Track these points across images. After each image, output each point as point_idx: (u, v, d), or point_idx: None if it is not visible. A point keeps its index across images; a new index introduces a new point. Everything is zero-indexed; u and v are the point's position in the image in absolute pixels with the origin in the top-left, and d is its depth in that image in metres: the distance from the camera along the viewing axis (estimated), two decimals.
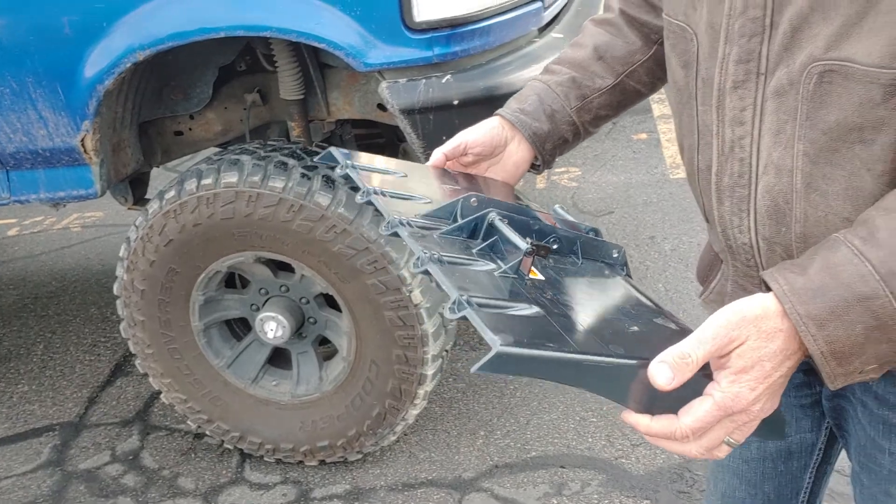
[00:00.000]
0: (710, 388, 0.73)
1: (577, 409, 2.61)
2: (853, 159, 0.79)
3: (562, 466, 2.39)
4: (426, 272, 0.81)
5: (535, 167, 1.20)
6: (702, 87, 0.92)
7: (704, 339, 0.72)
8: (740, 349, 0.72)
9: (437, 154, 1.16)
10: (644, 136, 4.62)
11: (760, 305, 0.73)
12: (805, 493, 1.17)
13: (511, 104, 1.18)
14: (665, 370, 0.70)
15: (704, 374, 0.73)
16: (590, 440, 2.47)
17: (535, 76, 1.21)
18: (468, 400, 2.71)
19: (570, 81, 1.16)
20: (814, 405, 1.09)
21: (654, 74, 1.18)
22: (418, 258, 0.83)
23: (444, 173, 1.16)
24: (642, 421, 0.75)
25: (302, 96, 2.44)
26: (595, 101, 1.16)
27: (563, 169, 4.36)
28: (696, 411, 0.73)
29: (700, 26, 0.90)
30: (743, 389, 0.72)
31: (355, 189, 1.03)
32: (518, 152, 1.17)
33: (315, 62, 2.42)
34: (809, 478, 1.16)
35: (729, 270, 0.99)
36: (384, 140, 3.25)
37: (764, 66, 0.83)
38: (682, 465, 2.33)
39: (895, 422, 0.92)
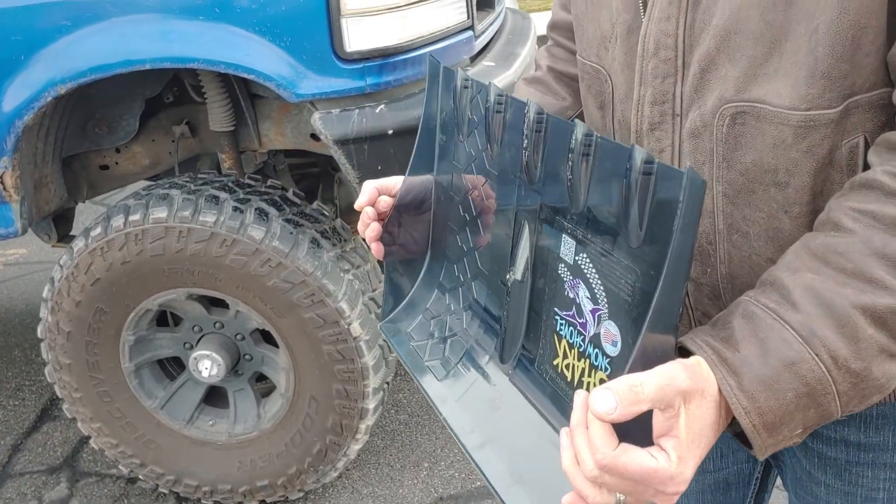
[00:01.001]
0: (656, 450, 0.63)
1: None
2: (770, 201, 0.78)
3: None
4: None
5: None
6: (618, 128, 0.91)
7: (660, 373, 0.63)
8: (688, 413, 0.64)
9: (366, 215, 1.01)
10: None
11: (700, 366, 0.67)
12: None
13: None
14: (608, 397, 0.60)
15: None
16: None
17: None
18: (411, 432, 2.67)
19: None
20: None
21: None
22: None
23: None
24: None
25: (232, 128, 2.39)
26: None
27: None
28: (633, 457, 0.62)
29: (614, 67, 0.90)
30: (688, 467, 0.63)
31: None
32: None
33: (245, 93, 2.37)
34: None
35: None
36: (318, 170, 3.21)
37: (679, 106, 0.82)
38: None
39: (830, 455, 0.91)
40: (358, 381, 2.14)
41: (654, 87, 0.83)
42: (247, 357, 2.30)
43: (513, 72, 2.29)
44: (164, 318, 2.41)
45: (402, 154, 2.01)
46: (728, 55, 0.76)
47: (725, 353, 0.67)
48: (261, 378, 2.39)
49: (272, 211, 2.08)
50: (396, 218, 1.03)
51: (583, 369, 0.73)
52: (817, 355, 0.66)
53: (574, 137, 0.73)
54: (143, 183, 2.81)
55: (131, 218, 2.07)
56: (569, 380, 0.75)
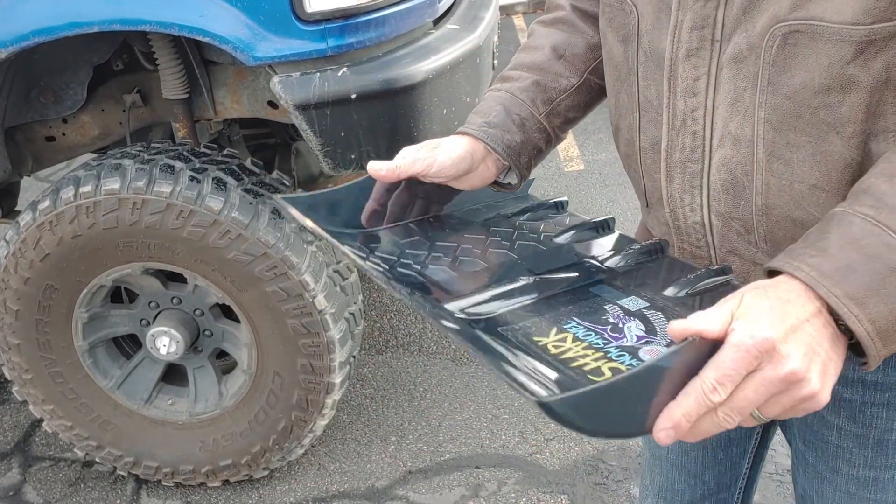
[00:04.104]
0: (727, 335, 0.64)
1: (489, 406, 2.56)
2: (819, 124, 0.76)
3: (477, 467, 2.34)
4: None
5: (498, 184, 1.07)
6: (644, 61, 0.88)
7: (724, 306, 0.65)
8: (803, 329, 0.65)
9: (392, 174, 0.96)
10: None
11: (782, 286, 0.67)
12: (743, 479, 1.16)
13: (474, 119, 1.03)
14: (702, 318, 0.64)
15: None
16: (503, 438, 2.43)
17: (492, 86, 1.09)
18: (377, 406, 2.63)
19: (533, 86, 1.04)
20: None
21: None
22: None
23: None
24: (671, 409, 0.63)
25: (186, 95, 2.29)
26: (563, 104, 1.06)
27: None
28: (714, 360, 0.63)
29: None
30: (762, 326, 0.62)
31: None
32: (484, 172, 1.02)
33: (199, 58, 2.28)
34: (748, 463, 1.15)
35: (675, 252, 0.95)
36: (275, 140, 3.12)
37: (719, 32, 0.79)
38: (597, 458, 2.32)
39: (845, 396, 0.90)
40: (324, 356, 2.08)
41: (694, 12, 0.80)
42: (206, 333, 2.22)
43: (477, 35, 2.22)
44: (119, 295, 2.32)
45: (366, 119, 1.94)
46: None
47: (825, 265, 0.67)
48: (222, 354, 2.31)
49: (230, 181, 2.00)
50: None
51: (583, 353, 0.72)
52: None
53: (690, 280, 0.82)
54: (92, 155, 2.70)
55: (82, 190, 1.97)
56: (552, 352, 0.73)
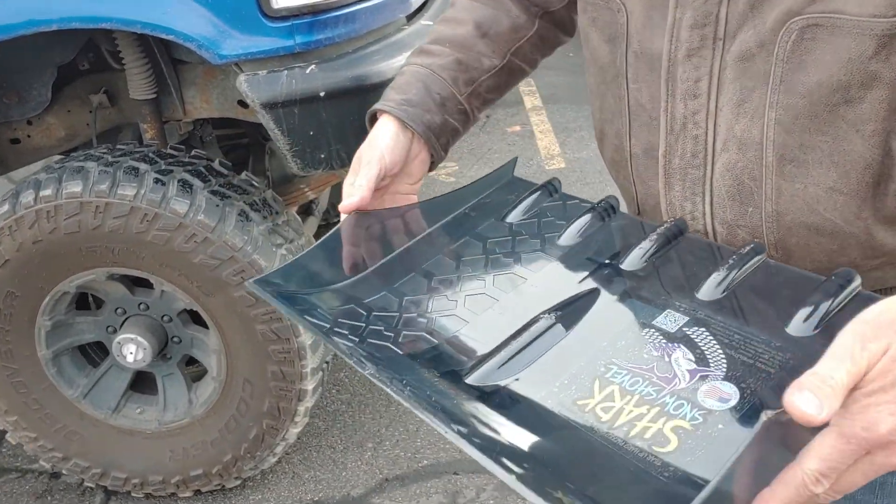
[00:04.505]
0: (834, 417, 0.53)
1: None
2: (837, 121, 0.72)
3: (455, 473, 2.29)
4: None
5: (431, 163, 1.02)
6: (634, 62, 0.83)
7: (840, 355, 0.53)
8: (880, 364, 0.53)
9: (362, 191, 0.89)
10: (518, 128, 4.59)
11: None
12: None
13: (392, 96, 0.97)
14: (809, 397, 0.51)
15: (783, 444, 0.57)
16: None
17: (410, 60, 1.04)
18: (354, 411, 2.57)
19: (455, 64, 0.99)
20: None
21: (538, 51, 1.07)
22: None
23: (360, 226, 0.91)
24: (766, 500, 0.54)
25: (154, 95, 2.23)
26: (484, 85, 1.01)
27: (440, 165, 4.26)
28: (818, 450, 0.53)
29: None
30: (880, 414, 0.52)
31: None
32: (420, 151, 0.97)
33: (167, 57, 2.21)
34: None
35: None
36: (248, 140, 3.06)
37: (722, 29, 0.75)
38: None
39: None
40: (295, 362, 2.02)
41: (694, 9, 0.76)
42: (175, 339, 2.16)
43: None
44: (86, 301, 2.25)
45: (335, 118, 1.88)
46: None
47: None
48: (191, 361, 2.25)
49: (196, 182, 1.94)
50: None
51: (639, 414, 0.62)
52: None
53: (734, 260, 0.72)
54: (59, 157, 2.63)
55: (43, 193, 1.91)
56: (603, 420, 0.63)
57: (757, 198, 0.78)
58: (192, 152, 2.11)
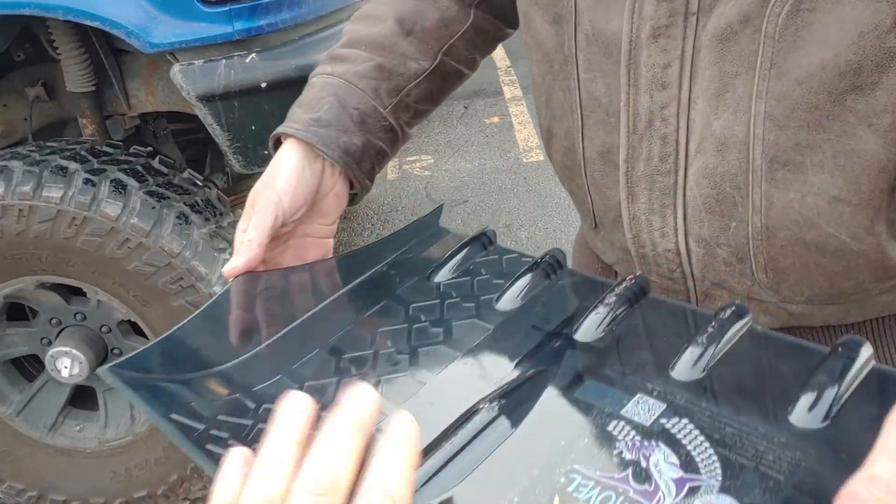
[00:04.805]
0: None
1: None
2: (844, 114, 0.57)
3: None
4: None
5: (351, 195, 0.83)
6: (585, 47, 0.67)
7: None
8: None
9: (250, 249, 0.71)
10: (496, 119, 4.44)
11: None
12: None
13: (298, 115, 0.79)
14: None
15: None
16: None
17: (319, 69, 0.84)
18: None
19: (375, 71, 0.81)
20: None
21: (474, 47, 0.88)
22: None
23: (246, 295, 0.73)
24: None
25: (93, 88, 2.07)
26: (412, 94, 0.83)
27: (415, 157, 4.11)
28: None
29: None
30: None
31: None
32: (335, 183, 0.79)
33: (106, 47, 2.05)
34: None
35: None
36: (205, 135, 2.89)
37: (695, 2, 0.59)
38: None
39: None
40: None
41: None
42: (115, 352, 2.00)
43: None
44: (22, 311, 2.09)
45: (279, 111, 1.72)
46: None
47: None
48: None
49: (131, 182, 1.78)
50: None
51: None
52: None
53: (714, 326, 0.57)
54: None
55: None
56: None
57: (742, 210, 0.64)
58: (131, 149, 1.95)
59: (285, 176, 0.74)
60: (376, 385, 0.62)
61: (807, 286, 0.66)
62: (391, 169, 4.01)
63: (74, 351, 1.91)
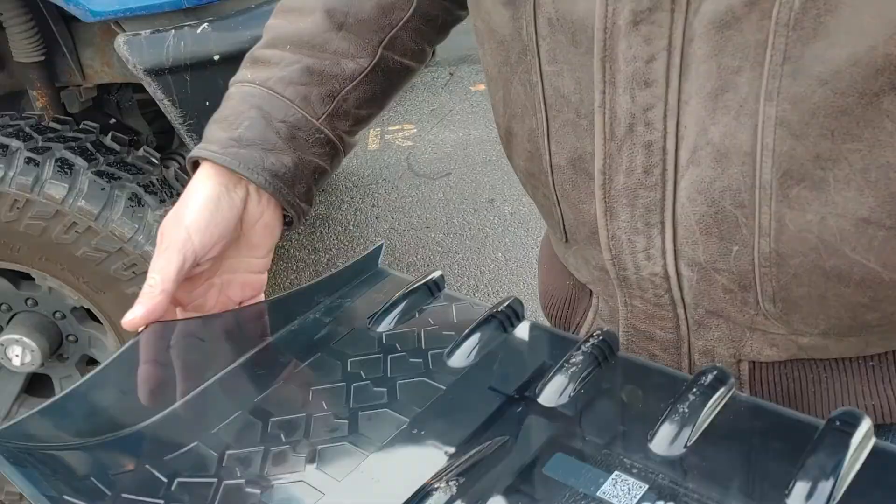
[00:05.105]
0: None
1: None
2: (880, 119, 0.47)
3: None
4: None
5: (286, 223, 0.73)
6: (549, 34, 0.56)
7: None
8: None
9: (152, 297, 0.62)
10: (482, 86, 4.31)
11: None
12: None
13: (215, 134, 0.68)
14: None
15: None
16: None
17: (238, 77, 0.73)
18: None
19: (303, 75, 0.70)
20: None
21: (421, 36, 0.76)
22: None
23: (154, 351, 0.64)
24: None
25: (41, 58, 1.94)
26: (351, 98, 0.72)
27: (397, 126, 3.99)
28: None
29: None
30: None
31: None
32: (263, 211, 0.69)
33: (56, 13, 1.92)
34: None
35: (619, 311, 0.65)
36: None
37: None
38: None
39: None
40: None
41: None
42: (70, 338, 1.90)
43: None
44: None
45: None
46: None
47: None
48: (92, 361, 2.00)
49: (79, 162, 1.67)
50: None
51: None
52: None
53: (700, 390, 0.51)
54: None
55: None
56: None
57: (746, 232, 0.53)
58: (81, 125, 1.83)
59: (196, 209, 0.64)
60: (311, 456, 0.53)
61: (823, 318, 0.56)
62: (372, 139, 3.89)
63: (25, 339, 1.81)
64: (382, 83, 0.74)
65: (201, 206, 0.65)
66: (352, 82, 0.71)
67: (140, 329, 0.62)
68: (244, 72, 0.72)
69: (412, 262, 2.86)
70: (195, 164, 0.69)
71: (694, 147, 0.52)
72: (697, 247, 0.55)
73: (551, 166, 0.62)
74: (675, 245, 0.56)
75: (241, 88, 0.70)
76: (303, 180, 0.69)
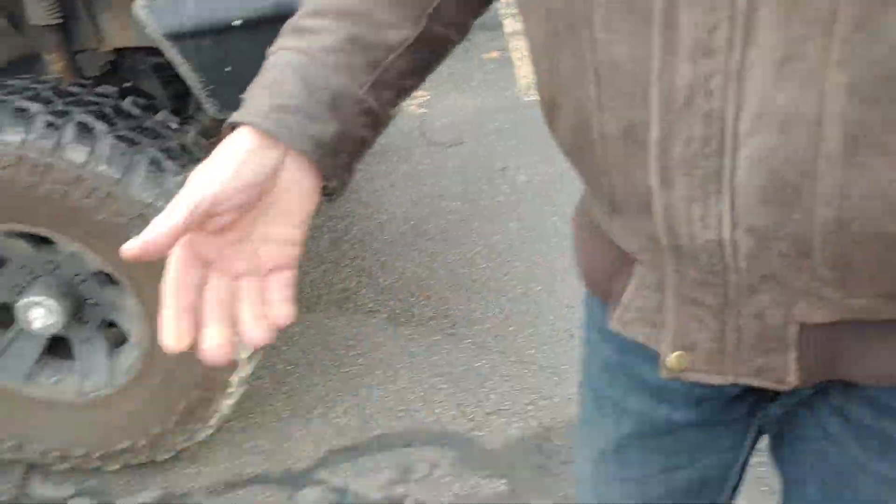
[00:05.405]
0: None
1: (426, 374, 2.30)
2: None
3: (408, 445, 2.09)
4: None
5: (326, 193, 0.71)
6: (605, 2, 0.55)
7: None
8: None
9: (155, 231, 0.60)
10: (495, 54, 4.27)
11: None
12: None
13: (257, 100, 0.66)
14: None
15: None
16: (439, 411, 2.18)
17: (280, 44, 0.71)
18: (303, 372, 2.36)
19: (346, 43, 0.68)
20: (741, 419, 0.81)
21: (467, 7, 0.75)
22: None
23: None
24: None
25: (59, 20, 1.94)
26: (394, 68, 0.70)
27: None
28: None
29: None
30: None
31: None
32: (299, 179, 0.67)
33: None
34: None
35: (668, 278, 0.65)
36: None
37: None
38: (541, 435, 2.07)
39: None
40: None
41: None
42: (91, 301, 1.92)
43: None
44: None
45: (256, 52, 1.59)
46: None
47: None
48: (112, 325, 2.02)
49: (99, 126, 1.67)
50: None
51: None
52: None
53: None
54: None
55: None
56: None
57: (808, 200, 0.53)
58: (99, 88, 1.83)
59: (224, 156, 0.63)
60: None
61: (880, 282, 0.57)
62: None
63: (47, 300, 1.83)
64: (425, 54, 0.73)
65: (230, 154, 0.64)
66: (395, 52, 0.70)
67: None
68: (284, 40, 0.71)
69: (426, 231, 2.86)
70: (232, 130, 0.69)
71: (756, 115, 0.52)
72: (757, 214, 0.55)
73: (601, 137, 0.61)
74: (732, 213, 0.56)
75: (283, 56, 0.69)
76: (344, 151, 0.69)
